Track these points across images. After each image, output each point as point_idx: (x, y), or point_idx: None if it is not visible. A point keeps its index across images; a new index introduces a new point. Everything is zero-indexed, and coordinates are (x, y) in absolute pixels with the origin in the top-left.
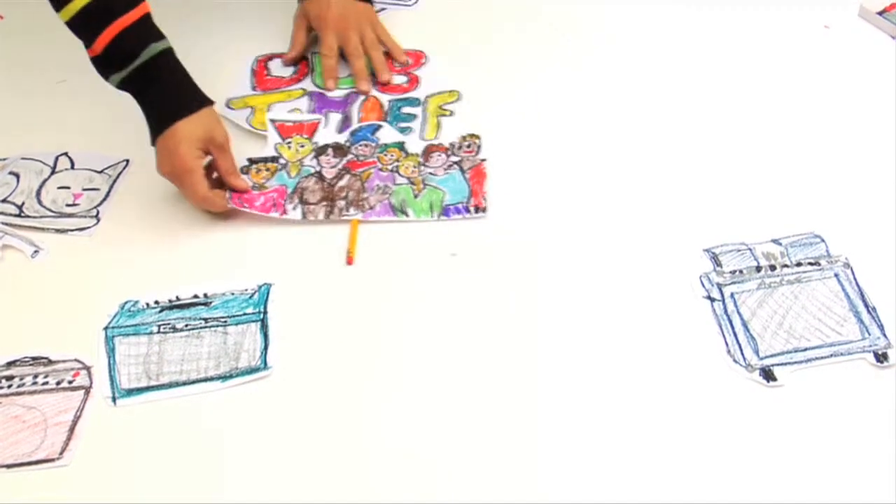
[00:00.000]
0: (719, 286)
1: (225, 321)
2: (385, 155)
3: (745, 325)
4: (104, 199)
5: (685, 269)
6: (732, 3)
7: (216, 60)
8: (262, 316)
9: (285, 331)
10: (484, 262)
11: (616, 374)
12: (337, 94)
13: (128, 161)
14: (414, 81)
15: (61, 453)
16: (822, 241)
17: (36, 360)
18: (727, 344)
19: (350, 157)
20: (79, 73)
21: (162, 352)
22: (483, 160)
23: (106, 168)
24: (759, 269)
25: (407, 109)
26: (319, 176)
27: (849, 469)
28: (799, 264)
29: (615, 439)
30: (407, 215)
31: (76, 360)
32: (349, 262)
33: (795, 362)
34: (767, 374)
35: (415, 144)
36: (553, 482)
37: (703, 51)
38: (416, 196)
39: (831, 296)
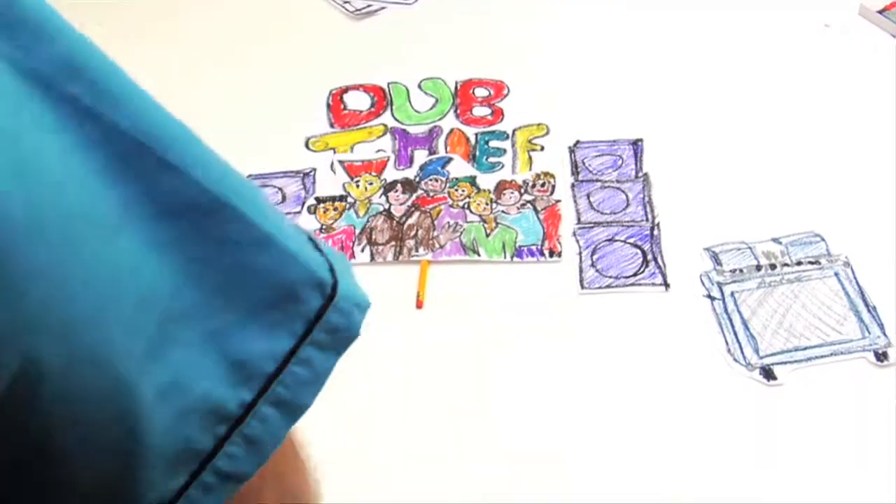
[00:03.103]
0: (719, 285)
1: None
2: (456, 190)
3: (745, 323)
4: None
5: (686, 267)
6: (733, 3)
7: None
8: None
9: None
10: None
11: (616, 373)
12: (420, 129)
13: None
14: (498, 113)
15: None
16: (822, 239)
17: None
18: (727, 343)
19: (419, 192)
20: None
21: None
22: (558, 201)
23: None
24: (759, 267)
25: (495, 143)
26: (388, 213)
27: (849, 468)
28: (799, 263)
29: (616, 438)
30: (479, 255)
31: None
32: (419, 305)
33: (796, 361)
34: (767, 373)
35: (488, 180)
36: (553, 481)
37: (703, 50)
38: (487, 235)
39: (831, 295)
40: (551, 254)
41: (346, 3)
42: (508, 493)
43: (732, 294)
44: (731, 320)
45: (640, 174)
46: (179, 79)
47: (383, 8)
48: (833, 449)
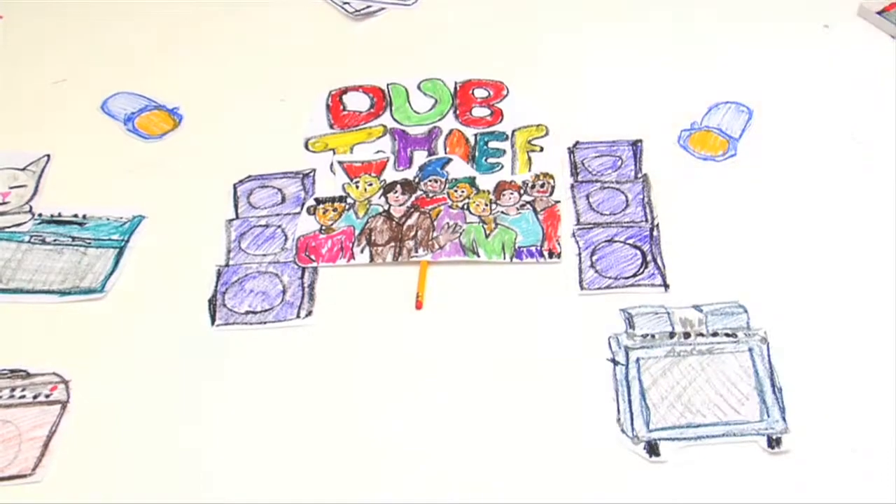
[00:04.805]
0: (627, 349)
1: (88, 242)
2: (455, 191)
3: (642, 393)
4: (34, 195)
5: (685, 267)
6: (733, 2)
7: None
8: (122, 244)
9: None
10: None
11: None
12: (419, 130)
13: (49, 156)
14: (497, 114)
15: (34, 469)
16: (745, 311)
17: (14, 373)
18: (619, 412)
19: (419, 193)
20: None
21: (22, 260)
22: (557, 202)
23: (28, 165)
24: (672, 335)
25: (494, 144)
26: (387, 215)
27: None
28: (715, 334)
29: (616, 437)
30: (478, 255)
31: (54, 374)
32: (418, 306)
33: (685, 438)
34: (652, 449)
35: (488, 181)
36: (552, 480)
37: (702, 49)
38: (487, 235)
39: (740, 371)
40: (551, 254)
41: (345, 3)
42: (507, 492)
43: (638, 360)
44: (629, 388)
45: (640, 175)
46: (179, 79)
47: (383, 8)
48: None
